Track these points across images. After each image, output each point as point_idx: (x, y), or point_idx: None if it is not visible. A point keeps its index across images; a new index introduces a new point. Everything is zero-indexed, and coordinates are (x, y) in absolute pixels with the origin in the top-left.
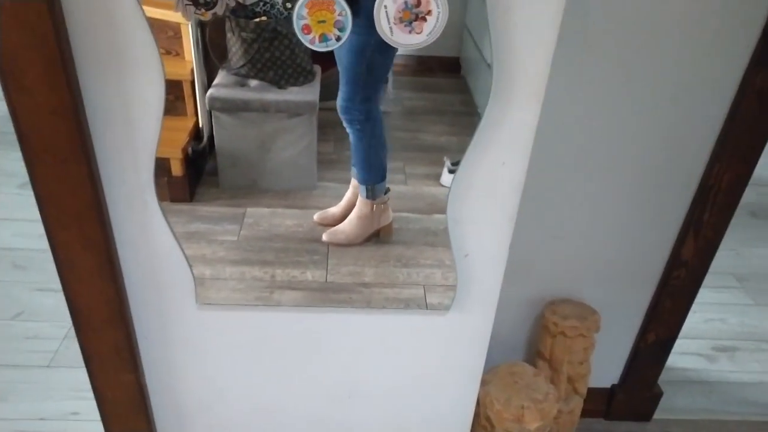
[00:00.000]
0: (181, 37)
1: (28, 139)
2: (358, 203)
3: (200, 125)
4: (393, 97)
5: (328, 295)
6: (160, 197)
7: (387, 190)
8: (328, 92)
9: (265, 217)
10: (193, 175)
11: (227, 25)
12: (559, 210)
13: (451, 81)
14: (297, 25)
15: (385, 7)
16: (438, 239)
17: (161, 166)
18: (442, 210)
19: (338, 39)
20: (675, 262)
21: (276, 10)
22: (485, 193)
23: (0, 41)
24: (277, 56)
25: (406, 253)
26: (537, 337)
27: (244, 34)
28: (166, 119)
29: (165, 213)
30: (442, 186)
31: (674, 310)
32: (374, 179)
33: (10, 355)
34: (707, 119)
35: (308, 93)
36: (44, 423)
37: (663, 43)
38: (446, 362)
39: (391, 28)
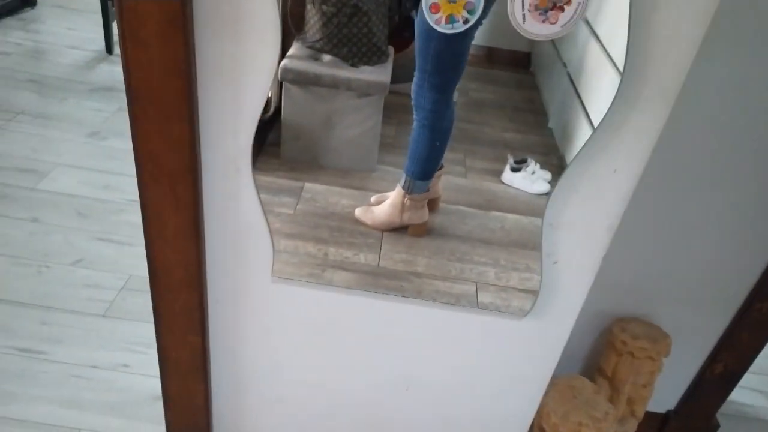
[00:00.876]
0: None
1: (137, 92)
2: (395, 190)
3: (269, 95)
4: (460, 86)
5: (379, 280)
6: None
7: (426, 190)
8: (398, 75)
9: (323, 194)
10: (256, 143)
11: None
12: (644, 223)
13: (520, 76)
14: (425, 2)
15: None
16: (494, 236)
17: None
18: (501, 208)
19: (465, 22)
20: (760, 293)
21: None
22: (589, 200)
23: None
24: (354, 33)
25: (460, 248)
26: (600, 353)
27: (324, 8)
28: None
29: (256, 183)
30: (503, 183)
31: (750, 343)
32: (417, 174)
33: (69, 301)
34: None
35: (380, 73)
36: (95, 371)
37: None
38: (514, 368)
39: (524, 15)
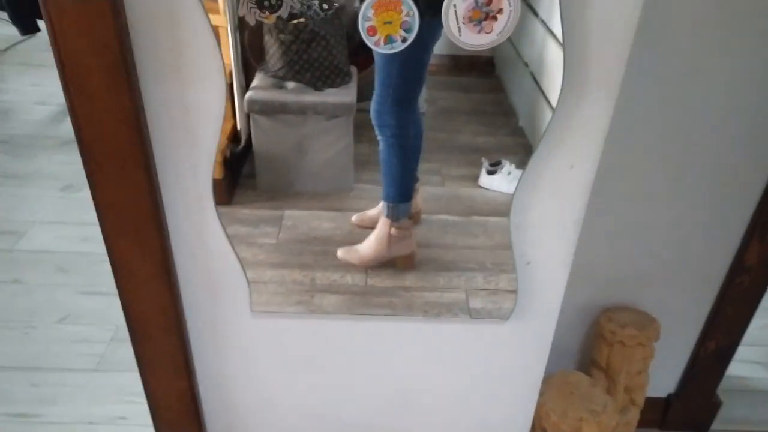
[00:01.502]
0: (219, 40)
1: (89, 145)
2: (378, 223)
3: (238, 128)
4: (427, 96)
5: (369, 299)
6: None
7: (410, 216)
8: (365, 92)
9: (303, 219)
10: (231, 177)
11: (265, 27)
12: (617, 211)
13: (486, 80)
14: (362, 26)
15: (455, 5)
16: (478, 241)
17: None
18: (481, 212)
19: (404, 40)
20: (738, 267)
21: (313, 11)
22: (551, 198)
23: (62, 46)
24: (315, 57)
25: (446, 257)
26: (591, 345)
27: (282, 36)
28: None
29: (221, 218)
30: (481, 188)
31: (736, 317)
32: (398, 197)
33: (58, 359)
34: None
35: (345, 95)
36: (93, 427)
37: (734, 42)
38: (504, 372)
39: (459, 27)
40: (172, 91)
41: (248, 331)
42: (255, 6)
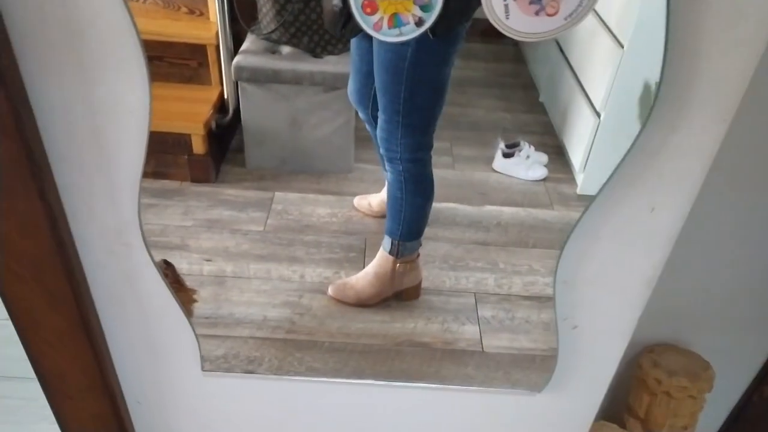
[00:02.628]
0: None
1: None
2: (377, 257)
3: (225, 96)
4: None
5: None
6: (180, 177)
7: (420, 246)
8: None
9: (295, 204)
10: (217, 152)
11: None
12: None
13: (504, 48)
14: (356, 2)
15: None
16: (490, 236)
17: (181, 143)
18: (494, 200)
19: (419, 23)
20: None
21: None
22: (619, 249)
23: None
24: (313, 19)
25: (453, 254)
26: (629, 389)
27: None
28: (187, 88)
29: (157, 265)
30: (495, 171)
31: None
32: (405, 235)
33: None
34: None
35: (347, 63)
36: None
37: None
38: None
39: (506, 5)
40: (71, 87)
41: (199, 392)
42: None
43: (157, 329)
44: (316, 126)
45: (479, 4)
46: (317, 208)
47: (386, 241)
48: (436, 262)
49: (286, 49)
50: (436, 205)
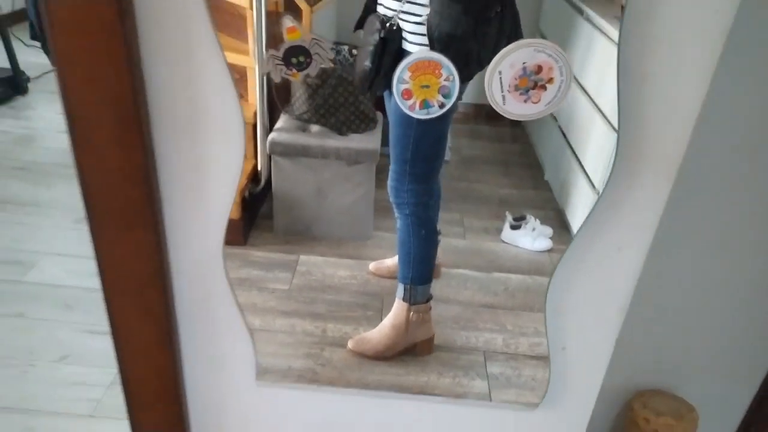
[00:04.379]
0: (246, 81)
1: (94, 201)
2: (393, 308)
3: (259, 168)
4: (451, 144)
5: (380, 357)
6: None
7: (429, 298)
8: (387, 138)
9: (318, 266)
10: (248, 218)
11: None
12: (660, 290)
13: (512, 131)
14: (397, 89)
15: (500, 72)
16: (498, 300)
17: None
18: (502, 268)
19: (441, 106)
20: None
21: (342, 56)
22: (594, 281)
23: (71, 96)
24: (341, 102)
25: (464, 315)
26: (622, 430)
27: (309, 80)
28: None
29: (231, 284)
30: (503, 242)
31: None
32: (416, 278)
33: (54, 402)
34: None
35: (369, 141)
36: None
37: None
38: None
39: (504, 96)
40: (187, 146)
41: (252, 402)
42: (282, 63)
43: (222, 343)
44: (339, 196)
45: (477, 70)
46: (338, 270)
47: (399, 289)
48: (448, 323)
49: (315, 128)
50: (448, 270)
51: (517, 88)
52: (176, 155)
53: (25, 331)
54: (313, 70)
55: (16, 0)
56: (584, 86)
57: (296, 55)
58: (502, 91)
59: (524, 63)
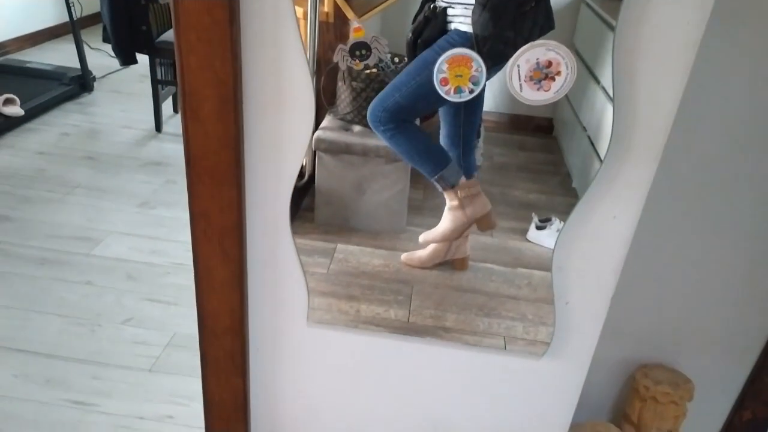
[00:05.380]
0: None
1: (194, 161)
2: (446, 203)
3: (303, 163)
4: (483, 150)
5: (409, 335)
6: None
7: (470, 176)
8: None
9: (354, 255)
10: (292, 209)
11: (339, 74)
12: (662, 271)
13: (543, 141)
14: (436, 77)
15: (518, 66)
16: (521, 292)
17: None
18: (527, 264)
19: (471, 92)
20: None
21: (385, 63)
22: (593, 244)
23: (186, 78)
24: None
25: (488, 303)
26: (625, 400)
27: (354, 84)
28: None
29: (293, 236)
30: (529, 241)
31: None
32: (433, 169)
33: (117, 357)
34: None
35: None
36: (142, 422)
37: None
38: (535, 409)
39: (521, 85)
40: (269, 122)
41: (302, 340)
42: (348, 55)
43: (282, 287)
44: (376, 191)
45: (513, 54)
46: (373, 259)
47: (437, 187)
48: (473, 309)
49: (357, 128)
50: (475, 264)
51: (531, 78)
52: (260, 127)
53: (92, 297)
54: (371, 61)
55: (84, 6)
56: (613, 98)
57: (359, 49)
58: (520, 81)
59: (537, 59)
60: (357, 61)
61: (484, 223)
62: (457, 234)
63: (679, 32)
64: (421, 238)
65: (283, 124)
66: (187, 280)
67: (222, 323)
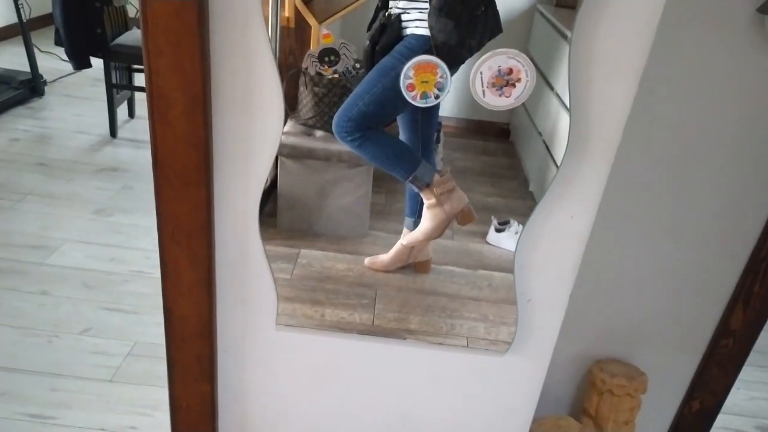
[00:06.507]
0: None
1: (162, 164)
2: (424, 202)
3: None
4: (443, 156)
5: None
6: None
7: (441, 173)
8: None
9: (318, 259)
10: None
11: (301, 79)
12: (616, 271)
13: (501, 146)
14: (403, 83)
15: (481, 72)
16: (482, 294)
17: None
18: (488, 266)
19: (436, 97)
20: (723, 330)
21: (346, 69)
22: (552, 243)
23: (155, 80)
24: None
25: (451, 305)
26: (583, 394)
27: (316, 89)
28: None
29: (262, 237)
30: (488, 244)
31: (720, 378)
32: (405, 170)
33: (76, 368)
34: (763, 191)
35: None
36: None
37: (725, 116)
38: (498, 404)
39: (484, 90)
40: (239, 123)
41: (271, 343)
42: (317, 61)
43: (251, 289)
44: (339, 196)
45: (468, 57)
46: (336, 263)
47: (413, 188)
48: (436, 311)
49: (319, 133)
50: (437, 266)
51: (493, 85)
52: (228, 129)
53: (49, 307)
54: (340, 67)
55: (33, 7)
56: (567, 105)
57: (328, 55)
58: (483, 87)
59: (499, 66)
60: (326, 66)
61: (463, 217)
62: (440, 231)
63: (630, 41)
64: (405, 240)
65: (253, 126)
66: (146, 287)
67: (190, 327)
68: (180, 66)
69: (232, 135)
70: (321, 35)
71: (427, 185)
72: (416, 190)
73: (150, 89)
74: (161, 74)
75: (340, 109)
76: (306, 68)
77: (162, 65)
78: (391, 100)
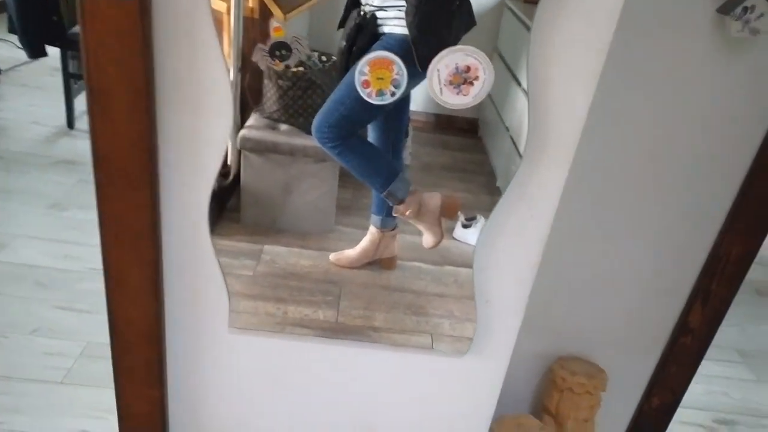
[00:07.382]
0: None
1: (103, 162)
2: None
3: (228, 162)
4: (411, 150)
5: (338, 336)
6: None
7: (409, 188)
8: None
9: (282, 256)
10: (216, 209)
11: (265, 72)
12: (576, 270)
13: (469, 141)
14: (357, 80)
15: (438, 70)
16: (448, 290)
17: None
18: (454, 262)
19: (393, 95)
20: (682, 328)
21: (312, 62)
22: (512, 243)
23: (94, 73)
24: (309, 104)
25: (416, 302)
26: (544, 392)
27: (280, 82)
28: None
29: (217, 238)
30: (455, 239)
31: (679, 375)
32: (383, 182)
33: (26, 369)
34: (721, 193)
35: None
36: None
37: (684, 118)
38: (459, 405)
39: (441, 89)
40: (186, 119)
41: (224, 347)
42: (267, 54)
43: (201, 292)
44: (304, 191)
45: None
46: (301, 260)
47: (383, 208)
48: (401, 308)
49: (284, 127)
50: (403, 263)
51: (451, 83)
52: (175, 127)
53: None
54: (292, 62)
55: None
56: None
57: (279, 49)
58: (440, 85)
59: (457, 64)
60: (277, 61)
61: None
62: (434, 219)
63: (588, 41)
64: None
65: (201, 122)
66: (102, 286)
67: (137, 331)
68: (121, 58)
69: (180, 132)
70: (272, 28)
71: (401, 202)
72: (391, 204)
73: (89, 82)
74: (100, 66)
75: (319, 114)
76: (256, 62)
77: (101, 57)
78: (371, 104)
